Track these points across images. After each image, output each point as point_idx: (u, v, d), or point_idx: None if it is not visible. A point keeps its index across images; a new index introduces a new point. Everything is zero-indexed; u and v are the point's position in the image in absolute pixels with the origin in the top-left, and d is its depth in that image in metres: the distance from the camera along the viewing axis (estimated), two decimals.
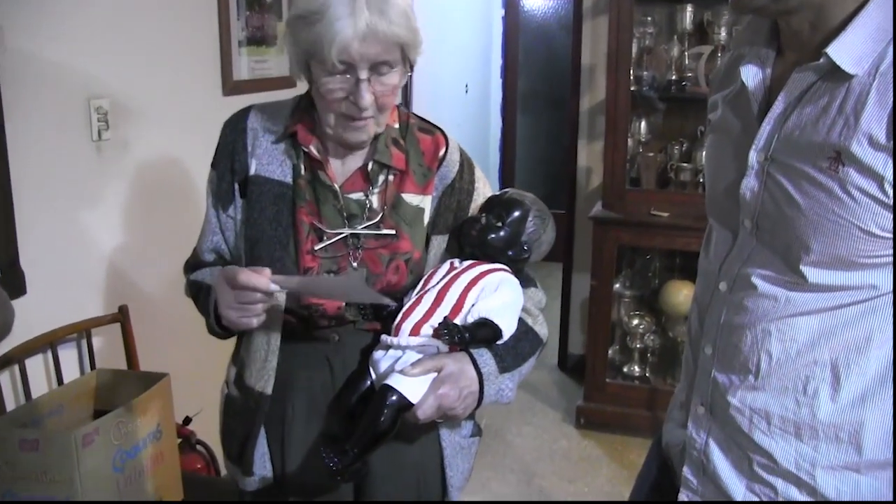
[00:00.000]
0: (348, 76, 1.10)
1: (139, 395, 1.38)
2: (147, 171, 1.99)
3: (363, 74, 1.09)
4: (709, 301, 1.04)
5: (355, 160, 1.22)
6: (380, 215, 1.21)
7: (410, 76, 1.22)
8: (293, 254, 1.18)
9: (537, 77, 5.39)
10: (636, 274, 3.24)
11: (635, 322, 3.16)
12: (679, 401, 1.15)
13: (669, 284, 3.06)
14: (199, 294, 1.26)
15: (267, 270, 1.09)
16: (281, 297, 1.18)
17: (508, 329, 1.17)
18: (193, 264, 1.31)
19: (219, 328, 1.20)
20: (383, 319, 1.19)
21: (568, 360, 3.68)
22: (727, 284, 1.01)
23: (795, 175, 0.91)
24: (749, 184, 0.97)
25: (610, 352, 3.16)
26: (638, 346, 3.16)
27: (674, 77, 2.99)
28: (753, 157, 0.96)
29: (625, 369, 3.19)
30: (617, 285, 3.16)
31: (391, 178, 1.22)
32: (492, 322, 1.14)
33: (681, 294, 2.97)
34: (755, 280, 0.97)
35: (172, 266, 1.41)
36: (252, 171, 1.21)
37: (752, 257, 0.98)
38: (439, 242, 1.25)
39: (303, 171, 1.21)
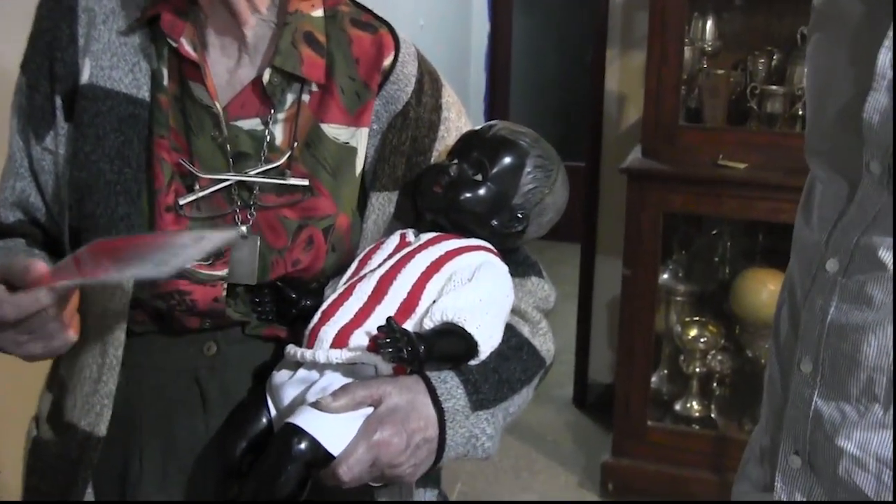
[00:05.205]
0: None
1: None
2: None
3: None
4: (809, 289, 1.05)
5: (249, 68, 1.24)
6: (286, 156, 1.23)
7: None
8: (146, 210, 1.20)
9: None
10: (695, 259, 3.23)
11: (693, 333, 3.16)
12: (759, 449, 1.16)
13: (747, 275, 3.06)
14: None
15: (41, 264, 1.04)
16: (127, 282, 1.19)
17: (488, 340, 1.17)
18: None
19: None
20: (291, 320, 1.20)
21: (588, 392, 3.72)
22: (839, 262, 1.03)
23: None
24: (879, 103, 0.97)
25: (654, 379, 3.16)
26: (698, 370, 3.17)
27: None
28: (886, 59, 0.96)
29: (677, 407, 3.21)
30: (665, 276, 3.16)
31: (305, 98, 1.25)
32: (462, 329, 1.14)
33: (765, 290, 2.98)
34: (884, 255, 0.98)
35: None
36: (85, 79, 1.22)
37: (881, 219, 0.99)
38: (382, 203, 1.27)
39: (166, 81, 1.22)
